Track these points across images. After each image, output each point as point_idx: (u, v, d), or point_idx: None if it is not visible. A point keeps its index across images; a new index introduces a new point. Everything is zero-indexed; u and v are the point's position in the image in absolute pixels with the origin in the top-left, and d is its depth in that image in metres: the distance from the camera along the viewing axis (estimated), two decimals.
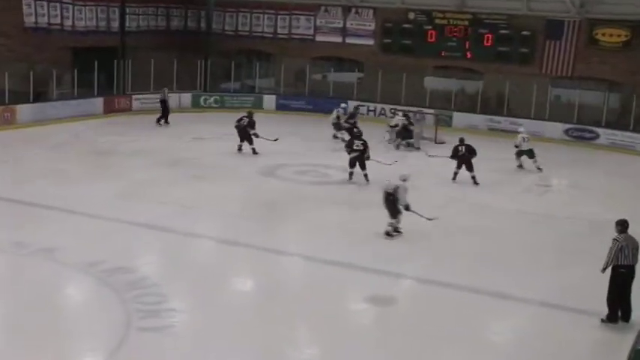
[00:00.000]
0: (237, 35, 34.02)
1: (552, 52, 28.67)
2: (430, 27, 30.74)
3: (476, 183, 19.39)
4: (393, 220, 14.46)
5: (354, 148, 18.92)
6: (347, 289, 12.02)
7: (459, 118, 28.68)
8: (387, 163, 19.14)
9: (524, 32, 29.19)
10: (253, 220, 15.36)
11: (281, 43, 33.26)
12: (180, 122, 26.58)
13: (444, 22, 30.52)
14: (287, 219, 15.73)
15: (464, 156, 19.44)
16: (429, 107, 28.48)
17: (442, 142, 24.91)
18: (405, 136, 24.38)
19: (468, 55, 30.14)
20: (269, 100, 31.43)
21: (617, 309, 10.73)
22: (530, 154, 21.40)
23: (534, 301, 11.67)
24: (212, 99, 31.13)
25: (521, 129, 22.44)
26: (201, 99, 31.01)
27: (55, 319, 10.21)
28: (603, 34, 27.93)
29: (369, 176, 18.68)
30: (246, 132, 21.85)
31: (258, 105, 30.87)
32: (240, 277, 12.53)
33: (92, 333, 9.89)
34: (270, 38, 33.55)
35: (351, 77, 32.22)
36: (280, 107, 31.21)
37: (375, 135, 23.32)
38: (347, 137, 22.11)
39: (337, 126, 25.06)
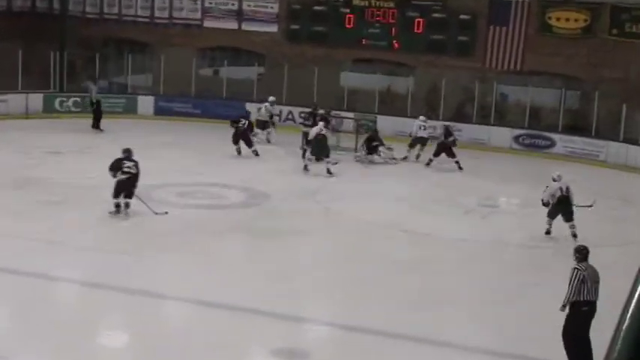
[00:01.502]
0: (102, 19, 33.70)
1: (497, 40, 29.38)
2: (347, 10, 31.10)
3: (460, 168, 23.23)
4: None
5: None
6: (248, 341, 12.04)
7: (385, 123, 28.47)
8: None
9: (463, 16, 29.93)
10: (123, 255, 15.20)
11: (160, 30, 33.11)
12: (28, 131, 26.10)
13: (365, 3, 30.93)
14: (167, 253, 15.60)
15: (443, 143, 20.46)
16: (348, 110, 28.82)
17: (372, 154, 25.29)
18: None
19: (395, 44, 30.66)
20: (145, 103, 31.29)
21: (577, 354, 11.04)
22: (423, 141, 23.30)
23: (478, 349, 11.93)
24: (70, 101, 30.71)
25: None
26: (57, 101, 30.56)
27: None
28: (558, 19, 28.82)
29: None
30: (246, 135, 24.22)
31: (132, 109, 30.74)
32: (108, 330, 12.40)
33: None
34: (146, 24, 33.36)
35: (249, 73, 32.36)
36: (160, 111, 31.11)
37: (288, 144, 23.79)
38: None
39: (264, 124, 26.41)
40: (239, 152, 24.63)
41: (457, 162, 23.90)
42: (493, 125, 28.68)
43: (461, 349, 11.95)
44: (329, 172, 22.46)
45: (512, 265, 16.14)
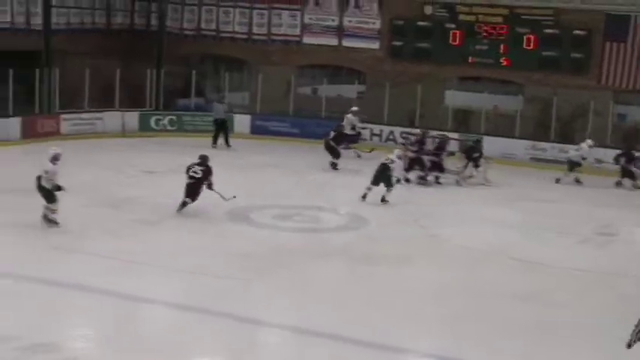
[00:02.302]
0: (199, 36, 34.08)
1: (614, 57, 28.78)
2: (454, 25, 30.84)
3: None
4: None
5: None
6: None
7: (492, 144, 28.04)
8: None
9: (577, 32, 29.39)
10: (220, 279, 15.17)
11: (258, 47, 33.29)
12: (124, 150, 26.42)
13: (472, 18, 30.66)
14: (264, 277, 15.50)
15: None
16: (452, 130, 28.45)
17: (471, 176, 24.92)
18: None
19: (504, 62, 30.22)
20: (242, 122, 31.36)
21: None
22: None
23: None
24: (166, 120, 31.11)
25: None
26: (152, 120, 30.97)
27: None
28: None
29: None
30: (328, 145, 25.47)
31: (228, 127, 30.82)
32: (204, 357, 12.33)
33: None
34: (244, 40, 33.58)
35: (349, 91, 32.24)
36: (256, 130, 31.20)
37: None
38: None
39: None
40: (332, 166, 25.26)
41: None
42: (609, 147, 27.76)
43: None
44: (384, 199, 21.35)
45: (634, 298, 15.48)
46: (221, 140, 28.45)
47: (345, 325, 13.12)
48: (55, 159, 17.93)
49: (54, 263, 15.49)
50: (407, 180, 23.48)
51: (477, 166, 24.56)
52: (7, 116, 27.76)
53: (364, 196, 21.25)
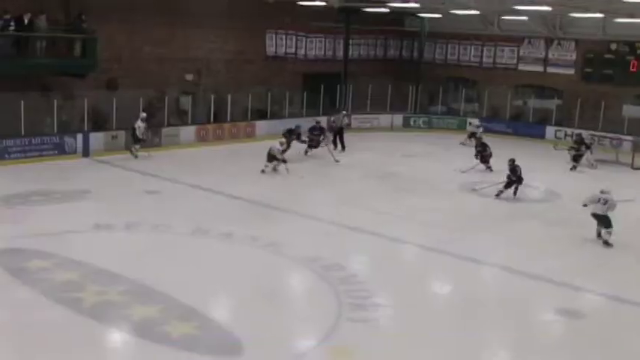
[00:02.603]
0: (446, 64, 33.70)
1: None
2: (632, 57, 28.63)
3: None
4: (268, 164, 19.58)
5: None
6: (537, 300, 11.51)
7: None
8: None
9: None
10: (454, 230, 15.12)
11: (486, 72, 32.48)
12: (393, 140, 26.77)
13: None
14: (485, 231, 15.30)
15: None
16: (627, 134, 26.55)
17: (639, 168, 23.23)
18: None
19: None
20: (475, 120, 30.70)
21: None
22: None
23: None
24: (421, 120, 31.10)
25: None
26: (411, 120, 31.05)
27: (277, 304, 10.65)
28: None
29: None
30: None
31: (462, 126, 30.37)
32: (439, 282, 12.38)
33: (308, 319, 10.22)
34: (476, 67, 32.89)
35: (550, 104, 30.78)
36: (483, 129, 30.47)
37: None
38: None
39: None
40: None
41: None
42: None
43: None
44: (606, 243, 14.51)
45: None
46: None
47: (538, 267, 12.78)
48: (142, 119, 20.86)
49: (340, 214, 15.82)
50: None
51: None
52: (319, 115, 28.27)
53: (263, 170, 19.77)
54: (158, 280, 10.98)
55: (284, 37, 29.22)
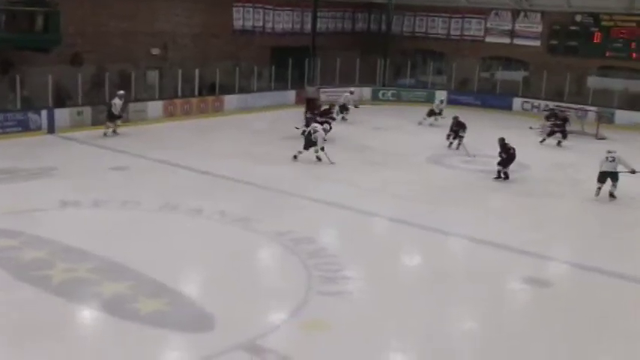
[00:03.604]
0: (413, 36, 33.70)
1: None
2: (596, 29, 28.96)
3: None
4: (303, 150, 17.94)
5: None
6: (505, 269, 11.64)
7: (622, 115, 26.73)
8: None
9: None
10: (423, 202, 15.20)
11: (453, 44, 32.58)
12: (362, 113, 26.72)
13: (611, 24, 28.62)
14: (455, 203, 15.39)
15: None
16: (591, 105, 26.86)
17: (603, 138, 23.52)
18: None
19: (634, 55, 28.08)
20: (440, 95, 30.82)
21: None
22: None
23: None
24: (389, 93, 31.14)
25: None
26: (380, 93, 31.08)
27: (247, 279, 10.63)
28: None
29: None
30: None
31: (430, 99, 30.43)
32: (409, 254, 12.46)
33: (278, 293, 10.22)
34: (444, 39, 32.97)
35: (516, 76, 30.99)
36: (451, 102, 30.44)
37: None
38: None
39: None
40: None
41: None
42: None
43: None
44: (612, 195, 16.00)
45: None
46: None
47: (506, 238, 12.92)
48: (120, 97, 20.45)
49: (310, 188, 15.88)
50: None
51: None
52: (287, 89, 28.65)
53: (295, 157, 18.35)
54: (127, 256, 10.88)
55: (251, 10, 28.90)
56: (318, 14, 30.70)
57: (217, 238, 12.36)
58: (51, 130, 20.46)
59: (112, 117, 20.64)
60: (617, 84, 27.97)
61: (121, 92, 20.93)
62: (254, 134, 22.13)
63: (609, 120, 26.20)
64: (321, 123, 19.71)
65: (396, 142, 21.91)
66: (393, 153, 20.21)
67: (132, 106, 22.59)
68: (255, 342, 8.54)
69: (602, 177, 15.86)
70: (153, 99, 24.04)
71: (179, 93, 25.02)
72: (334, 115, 22.92)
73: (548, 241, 13.04)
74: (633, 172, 15.87)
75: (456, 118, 21.32)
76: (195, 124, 23.36)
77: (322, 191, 15.48)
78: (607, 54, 28.67)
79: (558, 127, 22.66)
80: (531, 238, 13.02)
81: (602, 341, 9.16)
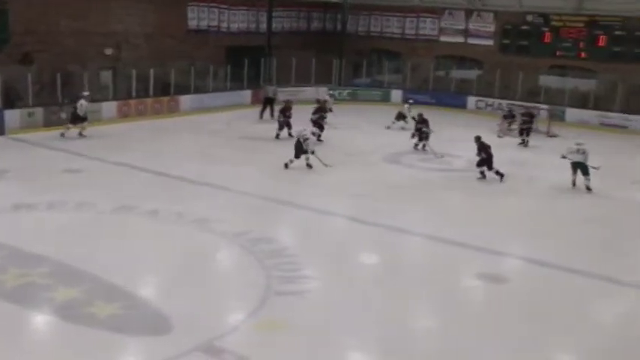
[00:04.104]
0: (369, 36, 33.92)
1: None
2: (547, 29, 29.56)
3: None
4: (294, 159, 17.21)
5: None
6: (460, 266, 11.82)
7: (572, 113, 27.42)
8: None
9: (639, 33, 27.45)
10: (380, 201, 15.31)
11: (408, 43, 32.88)
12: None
13: (560, 24, 29.22)
14: (410, 202, 15.55)
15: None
16: (543, 103, 27.41)
17: (554, 136, 24.03)
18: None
19: (582, 55, 28.76)
20: (396, 94, 31.18)
21: None
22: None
23: None
24: (345, 92, 31.26)
25: None
26: (336, 92, 31.06)
27: (205, 280, 10.59)
28: None
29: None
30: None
31: (386, 98, 30.75)
32: (367, 253, 12.50)
33: (236, 293, 10.20)
34: (399, 39, 33.27)
35: (471, 74, 31.45)
36: (407, 101, 30.85)
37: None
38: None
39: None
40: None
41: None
42: None
43: (627, 285, 11.12)
44: (588, 188, 16.71)
45: None
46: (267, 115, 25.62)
47: (460, 234, 13.13)
48: (86, 98, 20.21)
49: (267, 188, 15.89)
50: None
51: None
52: (243, 89, 28.54)
53: (286, 165, 17.56)
54: (83, 260, 10.73)
55: (206, 9, 28.72)
56: (274, 14, 30.63)
57: (174, 240, 12.26)
58: (1, 131, 20.02)
59: (77, 119, 20.30)
60: (567, 83, 28.59)
61: (86, 93, 20.68)
62: (210, 135, 22.00)
63: (560, 118, 26.78)
64: (315, 122, 20.29)
65: (353, 141, 22.00)
66: (349, 152, 20.28)
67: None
68: (212, 343, 8.52)
69: (574, 167, 16.72)
70: (107, 99, 23.72)
71: (133, 93, 24.74)
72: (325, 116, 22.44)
73: (503, 238, 13.25)
74: (596, 168, 16.60)
75: (420, 116, 21.38)
76: (150, 125, 23.11)
77: (280, 191, 15.48)
78: (557, 53, 29.28)
79: (527, 123, 22.94)
80: (486, 234, 13.23)
81: (554, 334, 9.37)
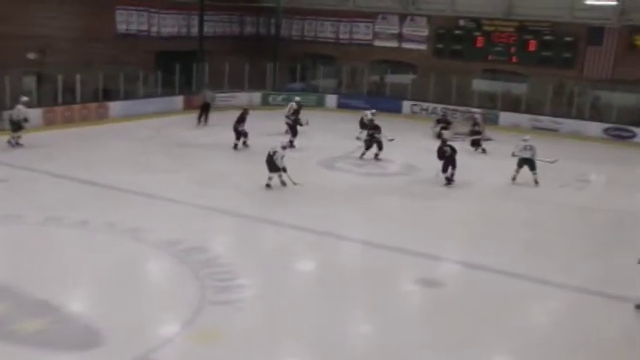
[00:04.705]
0: (303, 40, 34.08)
1: (593, 56, 27.94)
2: (479, 33, 30.32)
3: (451, 181, 17.95)
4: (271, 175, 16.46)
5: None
6: (398, 271, 11.98)
7: (505, 117, 28.19)
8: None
9: (567, 38, 28.49)
10: (316, 207, 15.37)
11: (343, 48, 33.20)
12: (252, 119, 26.63)
13: (492, 28, 30.03)
14: (346, 207, 15.67)
15: (451, 156, 18.05)
16: (477, 107, 28.07)
17: (488, 139, 24.57)
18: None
19: (513, 59, 29.62)
20: (331, 99, 31.46)
21: None
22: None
23: (573, 287, 11.44)
24: (280, 97, 31.20)
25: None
26: (270, 97, 31.16)
27: (137, 291, 10.43)
28: None
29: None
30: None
31: (321, 103, 30.93)
32: (302, 260, 12.57)
33: (170, 304, 10.09)
34: (333, 43, 33.54)
35: (405, 79, 31.94)
36: (341, 105, 31.14)
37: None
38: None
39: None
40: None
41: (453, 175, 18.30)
42: (587, 120, 27.25)
43: (559, 286, 11.46)
44: (536, 182, 18.10)
45: (604, 225, 15.24)
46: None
47: (398, 239, 13.30)
48: (24, 104, 19.83)
49: (200, 196, 15.76)
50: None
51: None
52: (174, 95, 28.25)
53: (268, 185, 16.66)
54: (8, 274, 10.44)
55: (135, 13, 28.34)
56: (206, 18, 30.42)
57: (105, 251, 12.04)
58: None
59: (17, 126, 19.74)
60: (499, 87, 29.36)
61: (25, 99, 20.09)
62: (141, 142, 21.70)
63: (494, 121, 27.47)
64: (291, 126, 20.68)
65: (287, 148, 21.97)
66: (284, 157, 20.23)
67: (7, 114, 21.57)
68: (147, 356, 8.41)
69: (520, 163, 18.04)
70: (31, 106, 23.06)
71: (59, 100, 24.17)
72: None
73: (439, 242, 13.49)
74: (551, 162, 18.12)
75: (371, 121, 21.31)
76: (78, 133, 22.62)
77: (211, 199, 15.37)
78: (489, 57, 30.06)
79: (477, 133, 22.99)
80: (422, 239, 13.45)
81: (492, 337, 9.61)
